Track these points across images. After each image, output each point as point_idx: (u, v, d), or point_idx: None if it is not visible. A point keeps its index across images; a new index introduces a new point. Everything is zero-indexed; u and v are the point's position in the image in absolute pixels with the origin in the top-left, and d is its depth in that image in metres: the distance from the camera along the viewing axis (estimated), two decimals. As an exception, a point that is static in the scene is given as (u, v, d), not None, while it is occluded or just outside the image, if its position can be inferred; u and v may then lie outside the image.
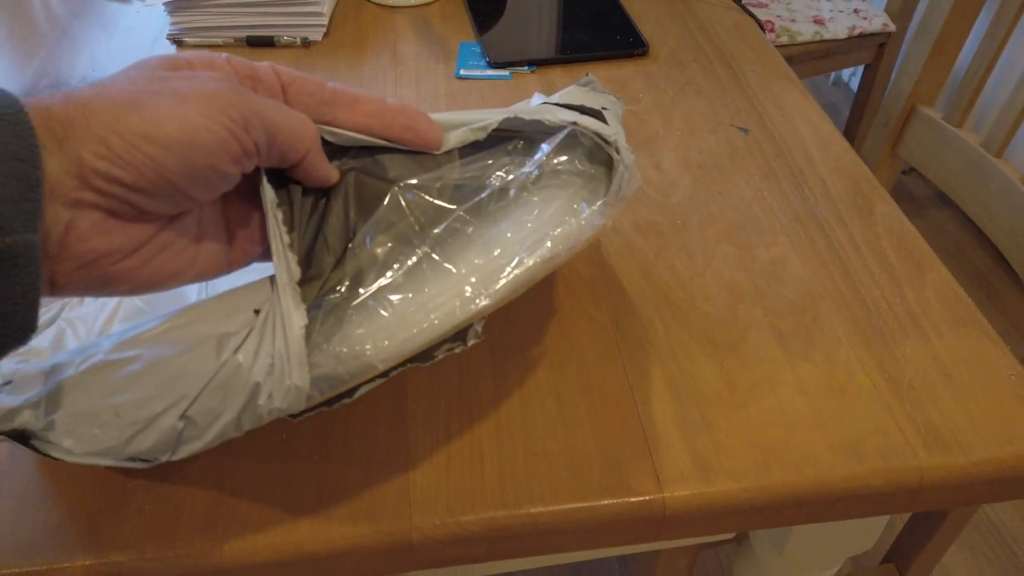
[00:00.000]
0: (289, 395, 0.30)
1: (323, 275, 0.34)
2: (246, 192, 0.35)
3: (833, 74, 2.32)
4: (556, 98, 0.42)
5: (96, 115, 0.27)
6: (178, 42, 0.79)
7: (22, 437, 0.33)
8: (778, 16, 1.61)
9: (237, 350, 0.30)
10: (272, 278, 0.32)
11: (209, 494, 0.41)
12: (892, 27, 1.65)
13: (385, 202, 0.36)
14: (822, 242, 0.57)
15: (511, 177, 0.36)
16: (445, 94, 0.73)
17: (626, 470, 0.43)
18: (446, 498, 0.41)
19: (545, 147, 0.37)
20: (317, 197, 0.36)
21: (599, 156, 0.38)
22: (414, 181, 0.36)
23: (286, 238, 0.32)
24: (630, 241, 0.57)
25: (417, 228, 0.35)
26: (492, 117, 0.37)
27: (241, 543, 0.40)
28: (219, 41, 0.79)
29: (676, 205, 0.60)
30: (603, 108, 0.41)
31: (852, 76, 2.25)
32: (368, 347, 0.31)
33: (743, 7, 0.87)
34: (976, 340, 0.50)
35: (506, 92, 0.73)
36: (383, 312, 0.32)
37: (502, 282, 0.34)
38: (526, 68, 0.76)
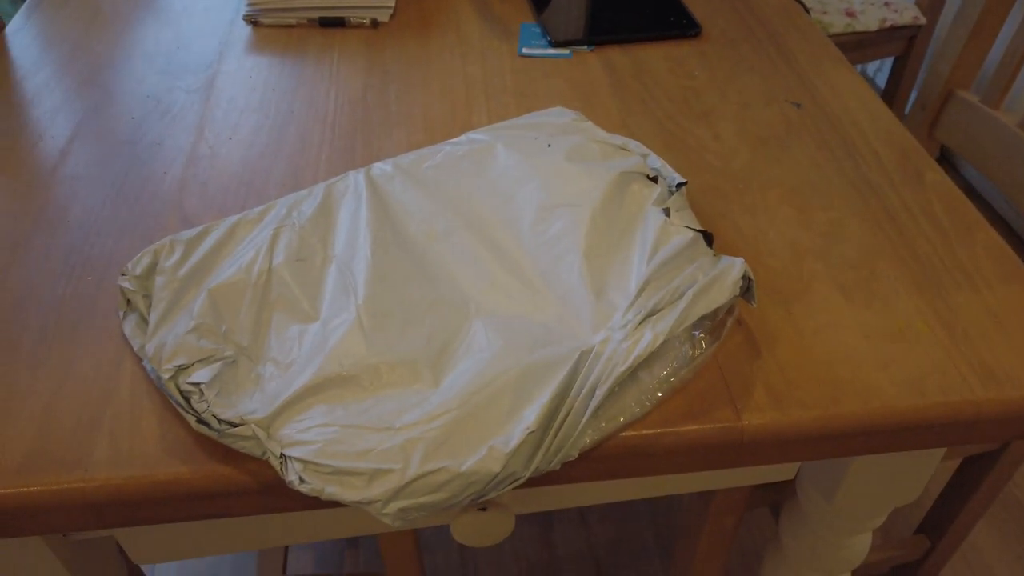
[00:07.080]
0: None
1: None
2: None
3: (859, 68, 2.34)
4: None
5: None
6: (254, 22, 0.84)
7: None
8: (810, 8, 1.64)
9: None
10: None
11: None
12: (922, 20, 1.68)
13: None
14: (876, 205, 0.61)
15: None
16: (511, 70, 0.77)
17: (707, 402, 0.47)
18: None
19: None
20: None
21: None
22: None
23: None
24: (695, 203, 0.61)
25: None
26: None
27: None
28: (292, 21, 0.83)
29: (737, 171, 0.64)
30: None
31: (878, 71, 2.28)
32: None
33: (789, -8, 0.91)
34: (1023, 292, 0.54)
35: (567, 69, 0.77)
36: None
37: None
38: (586, 47, 0.80)
